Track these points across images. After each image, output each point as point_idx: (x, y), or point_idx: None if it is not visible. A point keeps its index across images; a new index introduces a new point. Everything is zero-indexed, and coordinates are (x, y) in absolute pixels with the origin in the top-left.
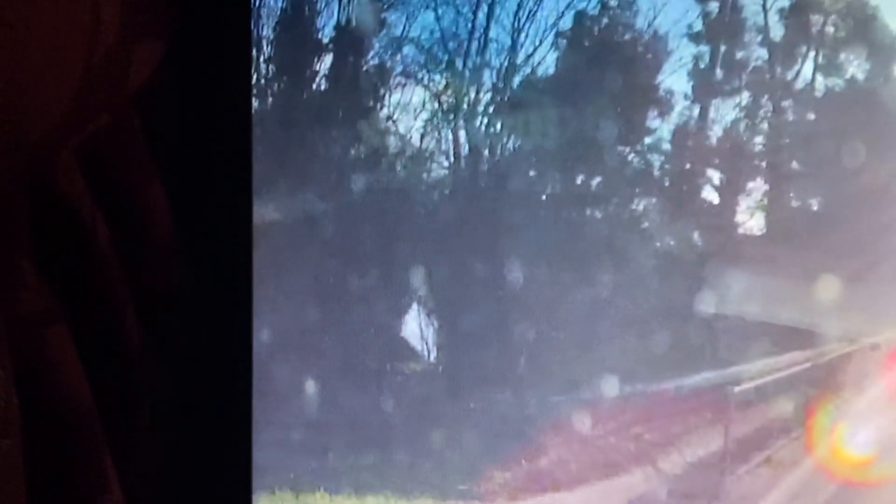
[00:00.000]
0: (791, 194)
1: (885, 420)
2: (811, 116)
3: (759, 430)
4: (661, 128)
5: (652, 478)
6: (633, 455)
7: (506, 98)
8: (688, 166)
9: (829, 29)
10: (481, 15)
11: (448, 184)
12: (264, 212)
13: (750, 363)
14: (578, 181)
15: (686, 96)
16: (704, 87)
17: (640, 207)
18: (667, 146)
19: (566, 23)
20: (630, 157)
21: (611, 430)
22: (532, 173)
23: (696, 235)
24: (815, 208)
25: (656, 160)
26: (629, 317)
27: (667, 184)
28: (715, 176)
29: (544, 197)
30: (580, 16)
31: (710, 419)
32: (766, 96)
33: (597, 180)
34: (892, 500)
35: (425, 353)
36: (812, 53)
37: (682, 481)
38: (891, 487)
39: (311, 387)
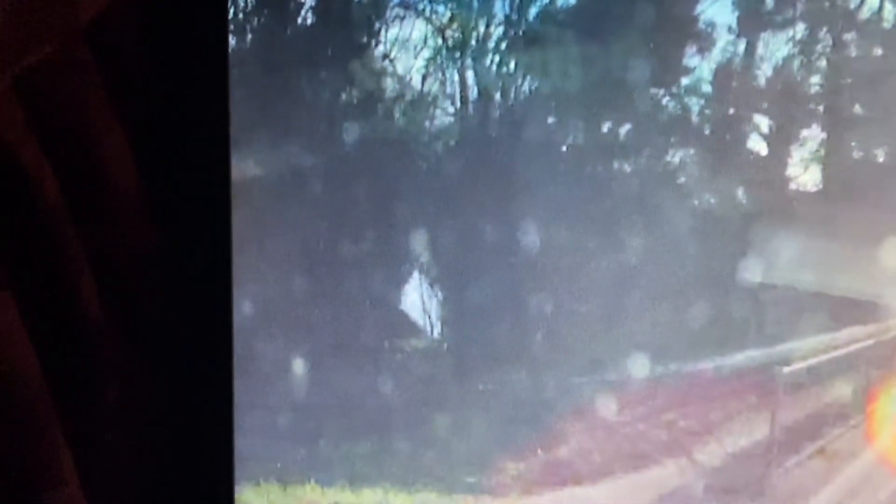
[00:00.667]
0: (853, 143)
1: None
2: (878, 52)
3: (811, 416)
4: (701, 67)
5: (687, 471)
6: (666, 445)
7: (520, 32)
8: (731, 112)
9: None
10: None
11: (454, 133)
12: (244, 166)
13: (802, 340)
14: (605, 129)
15: (730, 29)
16: (751, 18)
17: (676, 160)
18: (707, 88)
19: None
20: (664, 101)
21: (640, 417)
22: (551, 121)
23: (740, 192)
24: (880, 160)
25: (695, 105)
26: (662, 287)
27: (707, 132)
28: (763, 123)
29: (565, 148)
30: None
31: (754, 404)
32: (824, 28)
33: (626, 128)
34: None
35: (428, 328)
36: None
37: (722, 474)
38: None
39: (299, 366)
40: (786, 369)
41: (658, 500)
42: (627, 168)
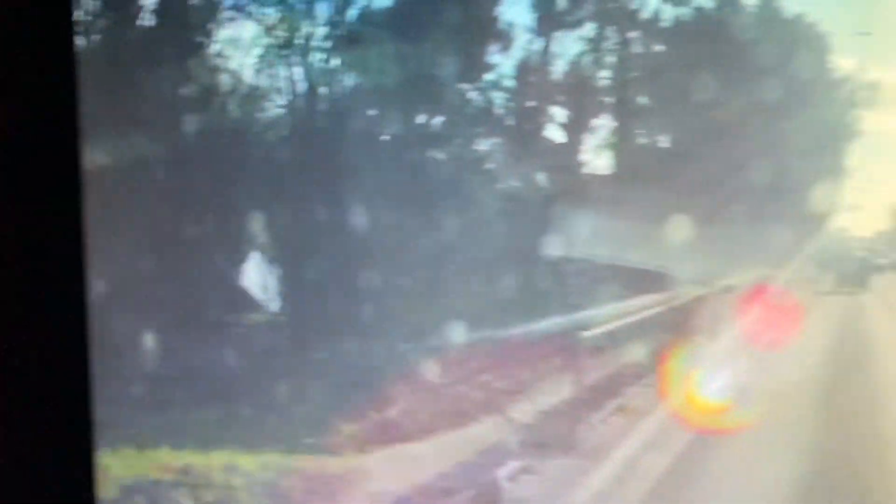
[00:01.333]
0: (639, 131)
1: (741, 365)
2: (659, 48)
3: (611, 376)
4: (503, 63)
5: (503, 427)
6: (483, 404)
7: (343, 33)
8: (531, 103)
9: None
10: None
11: (285, 124)
12: (95, 157)
13: (600, 308)
14: (419, 121)
15: (529, 29)
16: (547, 19)
17: (484, 147)
18: (509, 83)
19: None
20: (471, 94)
21: (459, 378)
22: (372, 112)
23: (541, 176)
24: (664, 145)
25: (498, 98)
26: (475, 261)
27: (510, 122)
28: (560, 113)
29: (385, 137)
30: None
31: (560, 366)
32: (612, 28)
33: (438, 120)
34: (748, 448)
35: (267, 303)
36: None
37: (534, 430)
38: (747, 435)
39: (151, 340)
40: (586, 334)
41: (478, 455)
42: (441, 155)
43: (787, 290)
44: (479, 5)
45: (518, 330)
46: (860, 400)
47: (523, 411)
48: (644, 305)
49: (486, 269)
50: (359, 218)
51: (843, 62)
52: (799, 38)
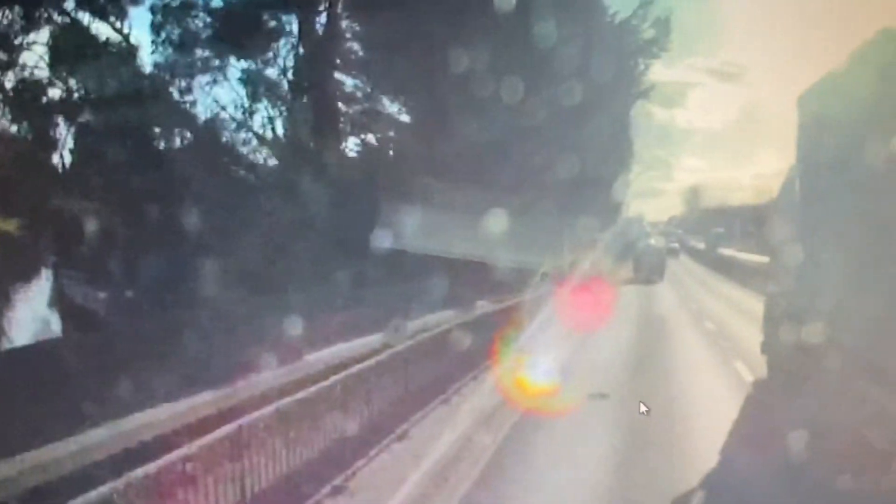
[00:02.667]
0: (448, 133)
1: (562, 349)
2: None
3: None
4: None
5: None
6: None
7: None
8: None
9: None
10: None
11: None
12: None
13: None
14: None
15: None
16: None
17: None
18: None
19: None
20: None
21: None
22: None
23: (364, 172)
24: (479, 144)
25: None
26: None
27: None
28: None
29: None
30: None
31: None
32: None
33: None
34: (574, 425)
35: None
36: None
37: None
38: (573, 415)
39: None
40: (409, 325)
41: None
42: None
43: (596, 278)
44: None
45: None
46: (661, 377)
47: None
48: (465, 297)
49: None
50: None
51: (637, 62)
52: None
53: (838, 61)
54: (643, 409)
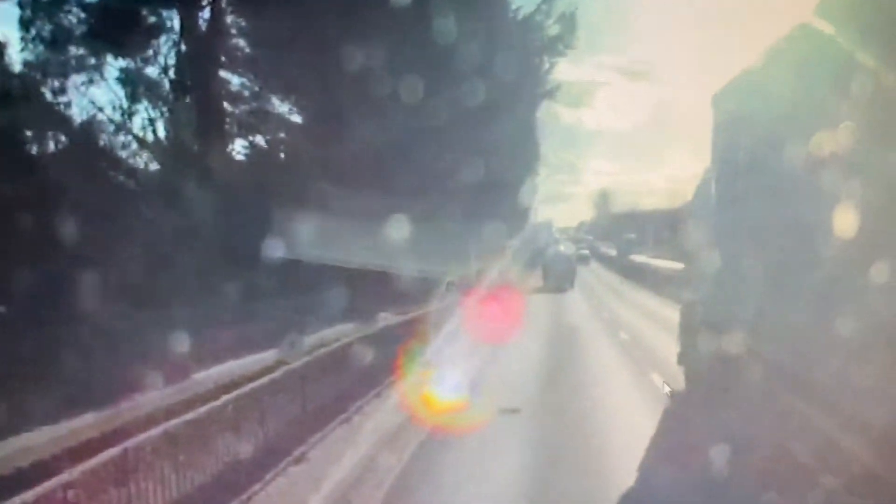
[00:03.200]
0: (356, 135)
1: (470, 362)
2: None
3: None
4: None
5: None
6: None
7: None
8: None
9: None
10: None
11: None
12: None
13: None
14: None
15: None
16: None
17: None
18: None
19: None
20: None
21: None
22: None
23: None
24: (379, 149)
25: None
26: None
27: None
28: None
29: None
30: None
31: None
32: None
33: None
34: (484, 443)
35: None
36: None
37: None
38: (482, 432)
39: None
40: (305, 340)
41: None
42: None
43: (505, 286)
44: None
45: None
46: (575, 390)
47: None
48: (366, 309)
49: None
50: None
51: (542, 60)
52: (497, 38)
53: (753, 57)
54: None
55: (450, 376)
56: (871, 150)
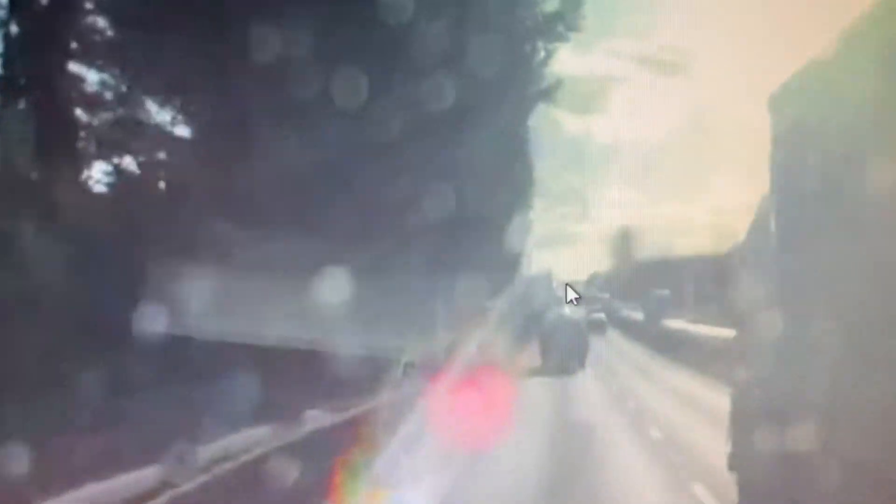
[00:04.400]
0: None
1: (439, 479)
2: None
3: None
4: None
5: None
6: None
7: None
8: None
9: None
10: None
11: None
12: None
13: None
14: None
15: None
16: None
17: None
18: None
19: None
20: None
21: None
22: None
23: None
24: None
25: None
26: None
27: None
28: None
29: None
30: None
31: None
32: None
33: None
34: None
35: None
36: None
37: None
38: None
39: None
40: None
41: None
42: None
43: (487, 367)
44: None
45: None
46: None
47: None
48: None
49: None
50: None
51: (535, 47)
52: (472, 15)
53: (824, 44)
54: None
55: (410, 500)
56: None
